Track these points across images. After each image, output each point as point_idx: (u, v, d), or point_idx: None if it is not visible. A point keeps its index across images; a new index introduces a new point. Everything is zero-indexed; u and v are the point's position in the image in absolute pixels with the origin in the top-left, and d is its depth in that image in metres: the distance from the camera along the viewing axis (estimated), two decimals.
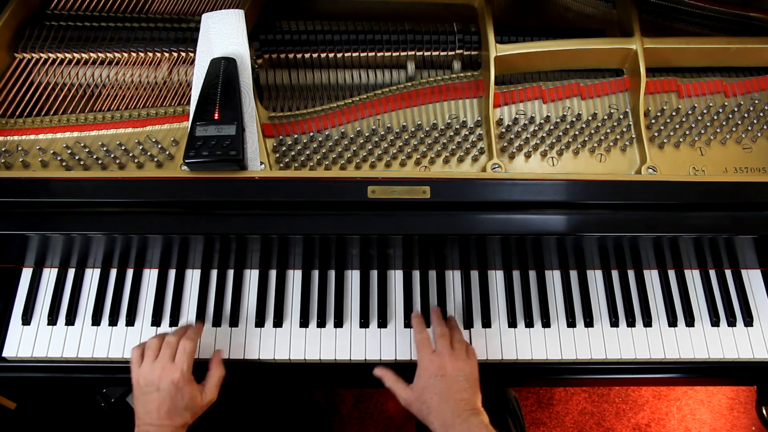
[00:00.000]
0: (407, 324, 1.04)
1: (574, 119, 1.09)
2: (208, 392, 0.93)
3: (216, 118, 0.95)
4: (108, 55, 1.07)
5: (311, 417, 1.27)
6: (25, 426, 1.60)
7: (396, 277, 1.08)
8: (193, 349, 0.93)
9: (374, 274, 1.08)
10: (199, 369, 0.94)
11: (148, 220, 0.94)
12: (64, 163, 0.99)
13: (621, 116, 1.09)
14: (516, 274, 1.09)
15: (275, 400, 0.99)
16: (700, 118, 1.10)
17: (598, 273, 1.10)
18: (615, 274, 1.09)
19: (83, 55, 1.07)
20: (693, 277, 1.10)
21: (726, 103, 1.12)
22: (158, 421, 0.88)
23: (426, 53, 1.12)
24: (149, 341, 0.94)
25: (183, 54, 1.08)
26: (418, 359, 0.95)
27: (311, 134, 1.05)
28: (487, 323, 1.04)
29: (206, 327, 1.03)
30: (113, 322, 1.03)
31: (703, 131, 1.08)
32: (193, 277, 1.07)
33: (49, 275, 1.06)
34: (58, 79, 1.07)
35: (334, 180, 0.95)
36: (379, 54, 1.11)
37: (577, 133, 1.07)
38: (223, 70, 0.99)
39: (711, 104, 1.12)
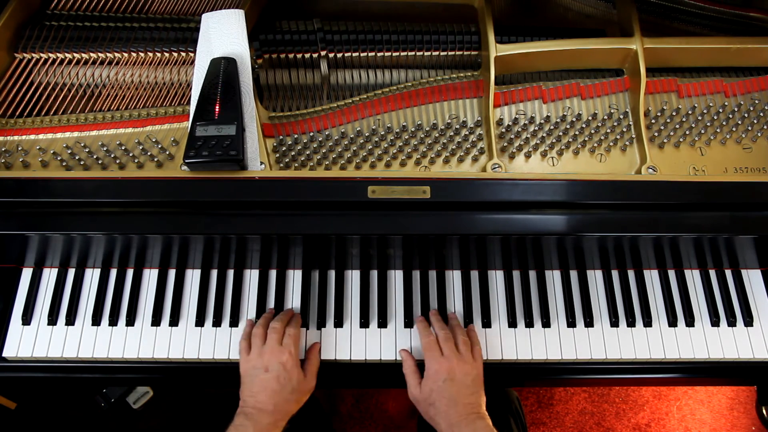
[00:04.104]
0: (407, 324, 1.04)
1: (574, 119, 1.09)
2: (309, 378, 0.95)
3: (216, 118, 0.95)
4: (108, 55, 1.07)
5: (312, 417, 1.27)
6: (25, 426, 1.60)
7: (396, 277, 1.08)
8: (298, 335, 0.97)
9: (374, 274, 1.08)
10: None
11: (148, 220, 0.94)
12: (64, 163, 0.99)
13: (621, 116, 1.09)
14: (516, 274, 1.08)
15: None
16: (700, 118, 1.10)
17: (598, 273, 1.09)
18: (615, 274, 1.09)
19: (83, 55, 1.07)
20: (693, 277, 1.10)
21: (726, 103, 1.12)
22: (261, 405, 0.89)
23: (426, 53, 1.12)
24: (254, 330, 0.97)
25: (183, 54, 1.08)
26: (426, 363, 0.95)
27: (311, 134, 1.05)
28: (487, 323, 1.04)
29: (206, 327, 1.03)
30: (113, 322, 1.03)
31: (703, 131, 1.08)
32: (193, 277, 1.07)
33: (49, 275, 1.06)
34: (58, 79, 1.07)
35: (334, 180, 0.95)
36: (379, 54, 1.11)
37: (577, 133, 1.07)
38: (223, 70, 0.99)
39: (711, 104, 1.12)
